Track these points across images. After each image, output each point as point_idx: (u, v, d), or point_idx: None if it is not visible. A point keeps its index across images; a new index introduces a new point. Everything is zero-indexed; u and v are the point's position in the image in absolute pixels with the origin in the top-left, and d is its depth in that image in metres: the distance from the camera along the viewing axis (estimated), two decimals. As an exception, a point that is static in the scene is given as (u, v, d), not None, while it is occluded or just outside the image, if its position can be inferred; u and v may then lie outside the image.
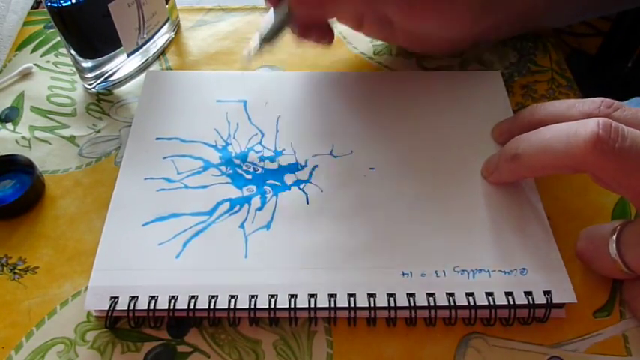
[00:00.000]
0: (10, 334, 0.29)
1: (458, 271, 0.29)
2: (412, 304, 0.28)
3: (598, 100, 0.29)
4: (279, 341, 0.28)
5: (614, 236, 0.27)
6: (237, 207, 0.32)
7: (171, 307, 0.28)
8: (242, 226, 0.31)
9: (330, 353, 0.28)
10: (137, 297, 0.28)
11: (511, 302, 0.28)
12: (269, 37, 0.34)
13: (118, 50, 0.39)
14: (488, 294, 0.28)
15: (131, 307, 0.28)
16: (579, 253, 0.30)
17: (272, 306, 0.28)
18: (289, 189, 0.33)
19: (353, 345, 0.28)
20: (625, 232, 0.27)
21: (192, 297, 0.28)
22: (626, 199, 0.29)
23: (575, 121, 0.27)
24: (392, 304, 0.28)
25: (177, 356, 0.28)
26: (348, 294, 0.28)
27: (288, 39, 0.36)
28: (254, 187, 0.33)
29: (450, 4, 0.33)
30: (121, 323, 0.29)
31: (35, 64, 0.42)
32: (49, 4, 0.35)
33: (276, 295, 0.28)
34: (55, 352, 0.28)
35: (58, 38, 0.44)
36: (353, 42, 0.43)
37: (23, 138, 0.37)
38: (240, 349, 0.28)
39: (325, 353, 0.28)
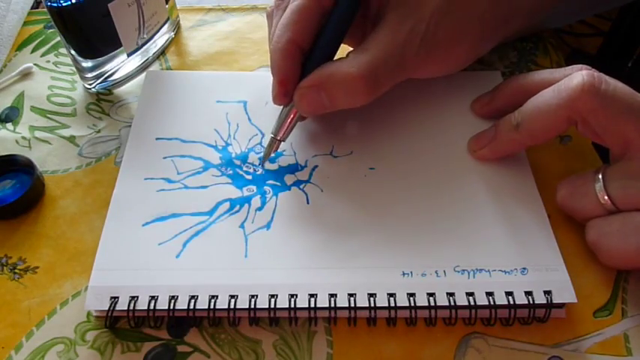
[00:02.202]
0: (10, 334, 0.29)
1: (458, 271, 0.29)
2: (412, 304, 0.28)
3: (579, 65, 0.32)
4: (279, 341, 0.28)
5: (599, 175, 0.29)
6: (238, 207, 0.32)
7: (172, 307, 0.28)
8: (242, 226, 0.31)
9: (330, 353, 0.28)
10: (137, 297, 0.28)
11: (511, 302, 0.28)
12: (277, 132, 0.33)
13: (118, 50, 0.39)
14: (489, 294, 0.28)
15: (131, 307, 0.28)
16: (562, 199, 0.31)
17: (272, 306, 0.28)
18: (289, 189, 0.33)
19: (353, 345, 0.28)
20: (609, 171, 0.29)
21: (193, 297, 0.28)
22: (609, 146, 0.30)
23: (562, 80, 0.30)
24: (392, 304, 0.28)
25: (177, 356, 0.28)
26: (349, 294, 0.28)
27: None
28: (254, 187, 0.33)
29: (454, 51, 0.33)
30: (121, 323, 0.29)
31: (35, 64, 0.42)
32: (49, 4, 0.35)
33: (277, 295, 0.28)
34: (55, 352, 0.28)
35: (58, 38, 0.44)
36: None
37: (23, 138, 0.37)
38: (240, 349, 0.28)
39: (325, 353, 0.28)
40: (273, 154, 0.34)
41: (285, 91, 0.32)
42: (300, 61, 0.32)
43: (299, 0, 0.31)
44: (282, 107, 0.33)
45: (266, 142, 0.35)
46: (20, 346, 0.28)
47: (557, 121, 0.30)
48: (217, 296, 0.28)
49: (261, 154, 0.35)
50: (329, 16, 0.32)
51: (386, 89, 0.32)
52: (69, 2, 0.35)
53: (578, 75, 0.29)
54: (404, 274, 0.29)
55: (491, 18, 0.33)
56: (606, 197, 0.29)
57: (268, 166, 0.34)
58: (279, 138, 0.33)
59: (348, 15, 0.32)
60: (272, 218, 0.32)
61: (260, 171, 0.34)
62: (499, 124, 0.33)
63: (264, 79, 0.39)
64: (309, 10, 0.31)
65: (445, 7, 0.31)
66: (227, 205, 0.32)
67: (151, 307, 0.28)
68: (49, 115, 0.39)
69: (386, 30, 0.31)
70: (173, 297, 0.28)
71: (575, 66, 0.32)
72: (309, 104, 0.32)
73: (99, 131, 0.38)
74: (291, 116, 0.33)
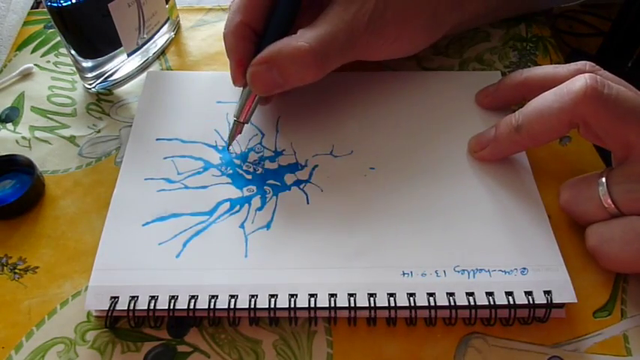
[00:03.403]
0: (10, 334, 0.29)
1: (458, 271, 0.29)
2: (412, 304, 0.28)
3: (583, 62, 0.32)
4: (279, 341, 0.28)
5: (602, 178, 0.29)
6: (238, 207, 0.32)
7: (172, 306, 0.28)
8: (242, 225, 0.31)
9: (330, 353, 0.28)
10: (137, 297, 0.28)
11: (511, 302, 0.28)
12: (239, 115, 0.34)
13: (118, 50, 0.39)
14: (489, 294, 0.28)
15: (131, 307, 0.28)
16: (565, 203, 0.31)
17: (272, 306, 0.28)
18: (289, 189, 0.33)
19: (353, 345, 0.28)
20: (612, 174, 0.29)
21: (193, 297, 0.28)
22: (611, 150, 0.30)
23: (564, 83, 0.30)
24: (392, 304, 0.28)
25: (177, 356, 0.28)
26: (349, 294, 0.28)
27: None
28: (254, 187, 0.33)
29: (405, 31, 0.34)
30: (121, 323, 0.29)
31: (35, 64, 0.42)
32: (49, 4, 0.35)
33: (277, 295, 0.28)
34: (55, 352, 0.28)
35: (58, 38, 0.44)
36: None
37: (23, 138, 0.37)
38: (240, 349, 0.28)
39: (325, 353, 0.28)
40: (236, 137, 0.34)
41: (242, 71, 0.33)
42: (253, 42, 0.33)
43: None
44: (242, 90, 0.34)
45: (266, 142, 0.36)
46: (20, 346, 0.28)
47: (558, 125, 0.30)
48: (217, 296, 0.28)
49: (262, 153, 0.35)
50: None
51: (335, 65, 0.32)
52: (69, 2, 0.35)
53: (580, 78, 0.29)
54: (404, 273, 0.29)
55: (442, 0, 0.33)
56: (610, 201, 0.29)
57: (268, 165, 0.34)
58: (241, 120, 0.34)
59: None
60: (272, 218, 0.32)
61: (260, 170, 0.34)
62: (499, 125, 0.33)
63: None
64: None
65: None
66: (227, 205, 0.32)
67: (151, 307, 0.28)
68: (49, 115, 0.39)
69: (335, 9, 0.32)
70: (173, 297, 0.28)
71: (579, 62, 0.32)
72: (262, 82, 0.32)
73: (99, 131, 0.38)
74: (252, 97, 0.33)
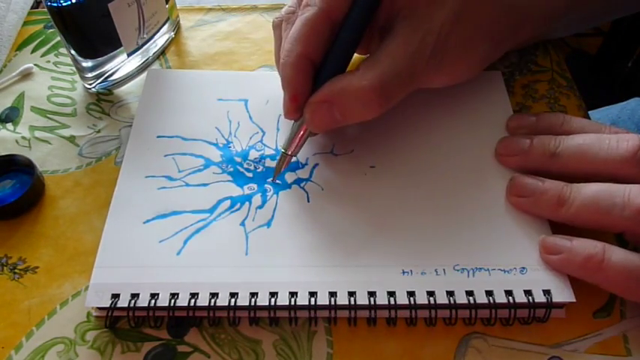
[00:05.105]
0: (10, 334, 0.29)
1: (458, 270, 0.29)
2: (412, 303, 0.28)
3: (633, 135, 0.30)
4: (279, 341, 0.28)
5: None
6: (238, 205, 0.32)
7: (172, 304, 0.28)
8: (243, 223, 0.31)
9: (330, 353, 0.28)
10: (138, 295, 0.28)
11: (511, 301, 0.28)
12: (288, 147, 0.33)
13: (118, 50, 0.39)
14: (488, 293, 0.28)
15: (132, 305, 0.28)
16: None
17: (272, 304, 0.28)
18: (290, 187, 0.33)
19: (353, 345, 0.28)
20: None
21: (193, 295, 0.28)
22: None
23: (624, 187, 0.28)
24: (392, 303, 0.28)
25: (177, 356, 0.28)
26: (349, 292, 0.28)
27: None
28: (255, 185, 0.33)
29: (464, 60, 0.33)
30: (121, 323, 0.29)
31: (35, 64, 0.42)
32: (49, 3, 0.35)
33: (277, 294, 0.28)
34: (55, 352, 0.28)
35: (58, 38, 0.44)
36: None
37: (23, 138, 0.37)
38: (240, 349, 0.28)
39: (325, 353, 0.28)
40: (283, 170, 0.33)
41: (296, 107, 0.31)
42: (311, 75, 0.31)
43: (308, 13, 0.31)
44: (292, 122, 0.33)
45: (267, 140, 0.36)
46: (20, 346, 0.28)
47: (597, 171, 0.30)
48: (218, 294, 0.28)
49: (262, 151, 0.35)
50: (340, 29, 0.31)
51: (397, 101, 0.32)
52: (69, 2, 0.35)
53: (634, 139, 0.29)
54: (404, 272, 0.29)
55: (501, 28, 0.33)
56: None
57: (269, 163, 0.34)
58: (289, 153, 0.33)
59: (360, 27, 0.31)
60: (272, 216, 0.32)
61: (261, 168, 0.34)
62: (535, 143, 0.32)
63: (265, 78, 0.39)
64: (319, 22, 0.30)
65: (455, 18, 0.31)
66: (228, 202, 0.32)
67: (152, 304, 0.28)
68: (49, 115, 0.39)
69: (396, 41, 0.31)
70: (174, 295, 0.28)
71: (631, 139, 0.30)
72: (321, 120, 0.31)
73: (99, 131, 0.38)
74: (302, 132, 0.32)
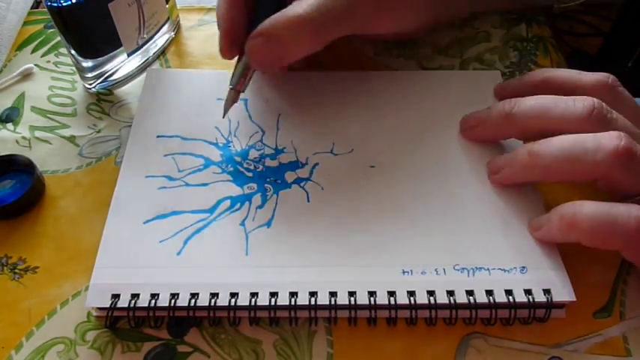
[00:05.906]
0: (10, 334, 0.29)
1: (458, 270, 0.29)
2: (412, 303, 0.28)
3: (606, 74, 0.31)
4: (279, 341, 0.28)
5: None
6: (238, 205, 0.32)
7: (172, 304, 0.28)
8: (243, 223, 0.31)
9: (331, 353, 0.28)
10: (138, 295, 0.28)
11: (511, 301, 0.28)
12: (236, 83, 0.34)
13: (118, 50, 0.39)
14: (488, 292, 0.28)
15: (132, 305, 0.28)
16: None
17: (272, 304, 0.28)
18: (290, 187, 0.33)
19: (353, 345, 0.28)
20: None
21: (193, 295, 0.28)
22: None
23: (593, 135, 0.28)
24: (392, 303, 0.28)
25: (177, 356, 0.28)
26: (349, 292, 0.28)
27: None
28: (255, 185, 0.33)
29: (397, 10, 0.33)
30: (121, 323, 0.29)
31: (35, 65, 0.42)
32: (49, 3, 0.35)
33: (277, 294, 0.28)
34: (55, 352, 0.28)
35: (58, 38, 0.44)
36: (354, 41, 0.43)
37: (23, 138, 0.37)
38: (240, 349, 0.28)
39: (325, 353, 0.28)
40: (231, 107, 0.34)
41: (230, 41, 0.32)
42: (244, 13, 0.32)
43: None
44: (236, 59, 0.33)
45: (267, 140, 0.35)
46: (20, 346, 0.28)
47: (555, 131, 0.29)
48: (218, 294, 0.28)
49: (262, 151, 0.35)
50: None
51: (334, 36, 0.32)
52: (69, 2, 0.35)
53: (613, 141, 0.27)
54: (404, 272, 0.29)
55: None
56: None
57: (269, 163, 0.34)
58: (238, 88, 0.33)
59: None
60: (273, 216, 0.32)
61: (261, 168, 0.34)
62: (492, 108, 0.33)
63: (264, 78, 0.39)
64: None
65: None
66: (228, 202, 0.32)
67: (152, 304, 0.28)
68: (49, 115, 0.39)
69: None
70: (174, 295, 0.28)
71: (602, 74, 0.31)
72: (261, 55, 0.31)
73: (99, 131, 0.38)
74: (247, 69, 0.33)
